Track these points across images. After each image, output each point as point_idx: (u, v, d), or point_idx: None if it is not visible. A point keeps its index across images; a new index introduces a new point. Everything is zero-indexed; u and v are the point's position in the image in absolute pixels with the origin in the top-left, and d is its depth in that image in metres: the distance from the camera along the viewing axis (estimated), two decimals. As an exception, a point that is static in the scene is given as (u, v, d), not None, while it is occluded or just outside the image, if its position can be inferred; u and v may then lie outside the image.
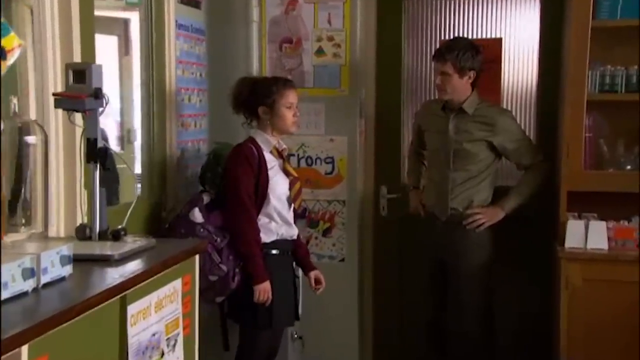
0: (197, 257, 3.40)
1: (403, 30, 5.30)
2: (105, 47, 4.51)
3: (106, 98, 3.12)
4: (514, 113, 5.04)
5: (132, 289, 2.72)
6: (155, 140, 4.28)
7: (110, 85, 4.26)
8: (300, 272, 4.80)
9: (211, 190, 4.38)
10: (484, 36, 5.19)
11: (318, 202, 5.15)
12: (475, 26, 5.22)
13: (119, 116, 5.41)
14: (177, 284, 3.16)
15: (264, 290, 4.03)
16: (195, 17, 4.76)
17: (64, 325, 2.27)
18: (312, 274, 4.43)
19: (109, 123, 4.45)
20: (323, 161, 5.12)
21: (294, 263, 4.40)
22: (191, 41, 4.71)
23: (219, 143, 4.59)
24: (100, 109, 3.15)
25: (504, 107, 5.12)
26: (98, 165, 3.14)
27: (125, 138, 5.50)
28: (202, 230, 3.97)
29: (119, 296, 2.64)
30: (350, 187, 5.14)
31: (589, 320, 4.30)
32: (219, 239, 3.96)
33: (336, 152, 5.10)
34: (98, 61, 4.65)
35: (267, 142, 4.14)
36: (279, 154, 4.19)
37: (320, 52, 5.07)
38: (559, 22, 4.86)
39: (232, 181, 4.06)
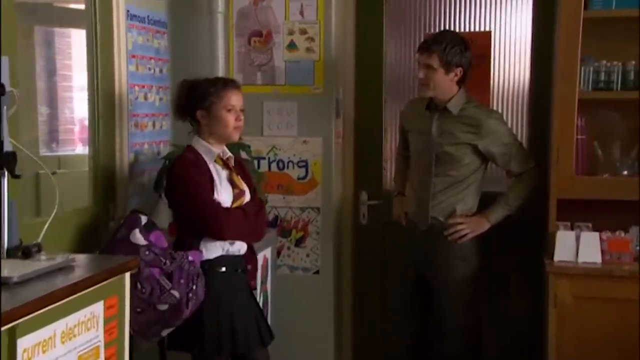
0: (126, 275, 3.00)
1: (385, 23, 4.95)
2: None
3: (16, 95, 2.72)
4: (504, 112, 4.71)
5: (25, 318, 2.33)
6: (100, 142, 3.88)
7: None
8: (268, 286, 4.44)
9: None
10: (471, 29, 4.85)
11: (290, 209, 4.78)
12: (463, 18, 4.86)
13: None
14: (97, 308, 2.77)
15: None
16: (153, 8, 4.38)
17: None
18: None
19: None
20: (296, 165, 4.75)
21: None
22: (148, 33, 4.32)
23: (177, 146, 4.19)
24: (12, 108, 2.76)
25: (493, 106, 4.80)
26: (5, 172, 2.74)
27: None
28: (147, 252, 3.50)
29: (5, 327, 2.25)
30: (325, 192, 4.76)
31: (580, 342, 3.94)
32: (167, 262, 3.51)
33: (310, 155, 4.73)
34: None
35: (209, 152, 3.72)
36: (224, 163, 3.77)
37: (292, 46, 4.70)
38: (553, 13, 4.46)
39: (189, 189, 3.63)
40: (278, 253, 4.77)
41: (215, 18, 4.68)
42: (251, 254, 3.89)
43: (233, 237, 3.69)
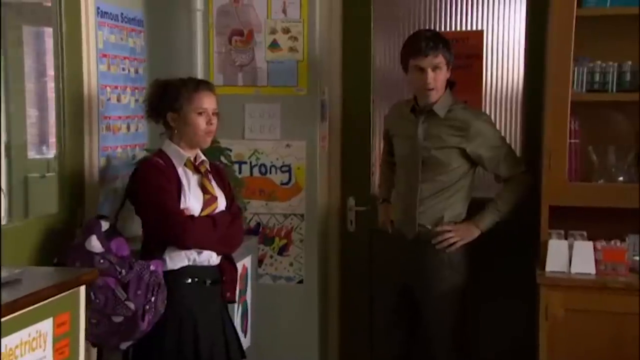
0: (81, 289, 2.81)
1: (372, 21, 4.74)
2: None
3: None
4: (496, 115, 4.56)
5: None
6: (67, 146, 3.68)
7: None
8: (248, 297, 4.24)
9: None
10: (463, 28, 4.65)
11: (273, 216, 4.59)
12: (454, 16, 4.66)
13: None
14: (45, 325, 2.59)
15: None
16: (127, 5, 4.20)
17: None
18: None
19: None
20: (278, 169, 4.56)
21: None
22: (121, 32, 4.14)
23: (150, 151, 4.00)
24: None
25: (486, 109, 4.61)
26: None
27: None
28: (101, 261, 3.31)
29: None
30: (309, 198, 4.57)
31: (573, 357, 3.75)
32: (123, 271, 3.31)
33: (293, 159, 4.54)
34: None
35: (179, 155, 3.52)
36: (195, 168, 3.56)
37: (274, 45, 4.51)
38: (548, 12, 4.25)
39: (151, 194, 3.43)
40: (260, 262, 4.58)
41: (193, 16, 4.49)
42: (228, 264, 3.68)
43: (198, 247, 3.48)
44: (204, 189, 3.53)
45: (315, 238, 4.59)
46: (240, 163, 4.54)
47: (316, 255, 4.60)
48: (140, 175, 3.50)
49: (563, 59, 3.78)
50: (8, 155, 3.33)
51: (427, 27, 4.57)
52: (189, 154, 3.54)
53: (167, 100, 3.51)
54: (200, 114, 3.48)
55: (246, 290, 4.23)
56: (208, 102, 3.51)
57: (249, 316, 4.26)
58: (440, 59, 3.91)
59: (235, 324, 3.91)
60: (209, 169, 3.61)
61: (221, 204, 3.59)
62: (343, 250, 4.84)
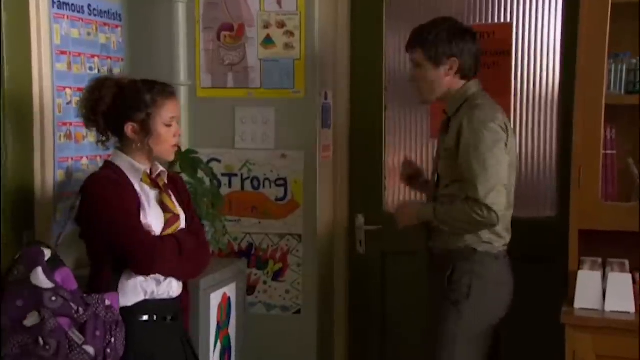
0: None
1: (384, 13, 4.24)
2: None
3: None
4: (529, 120, 4.11)
5: None
6: (10, 156, 3.17)
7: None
8: (231, 331, 3.71)
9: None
10: (489, 21, 4.14)
11: (267, 236, 4.08)
12: (479, 7, 4.14)
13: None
14: None
15: None
16: (97, -5, 3.72)
17: None
18: None
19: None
20: (273, 183, 4.06)
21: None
22: (88, 26, 3.65)
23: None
24: None
25: (516, 113, 4.10)
26: None
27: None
28: (53, 298, 2.76)
29: None
30: (307, 217, 4.05)
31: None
32: (80, 309, 2.79)
33: (289, 172, 4.05)
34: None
35: (134, 169, 3.00)
36: (153, 182, 3.05)
37: (268, 42, 4.01)
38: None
39: (110, 213, 2.89)
40: (252, 288, 4.08)
41: (177, 9, 4.01)
42: (188, 295, 3.16)
43: (165, 272, 2.96)
44: (164, 207, 3.02)
45: (315, 261, 4.07)
46: (230, 176, 4.06)
47: (316, 282, 4.08)
48: (90, 192, 2.97)
49: (595, 55, 3.29)
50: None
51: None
52: (145, 167, 3.02)
53: (126, 106, 2.97)
54: (168, 125, 2.99)
55: (228, 323, 3.70)
56: (175, 109, 3.04)
57: (232, 353, 3.73)
58: None
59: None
60: (166, 181, 3.09)
61: (183, 223, 3.09)
62: (351, 276, 4.32)
